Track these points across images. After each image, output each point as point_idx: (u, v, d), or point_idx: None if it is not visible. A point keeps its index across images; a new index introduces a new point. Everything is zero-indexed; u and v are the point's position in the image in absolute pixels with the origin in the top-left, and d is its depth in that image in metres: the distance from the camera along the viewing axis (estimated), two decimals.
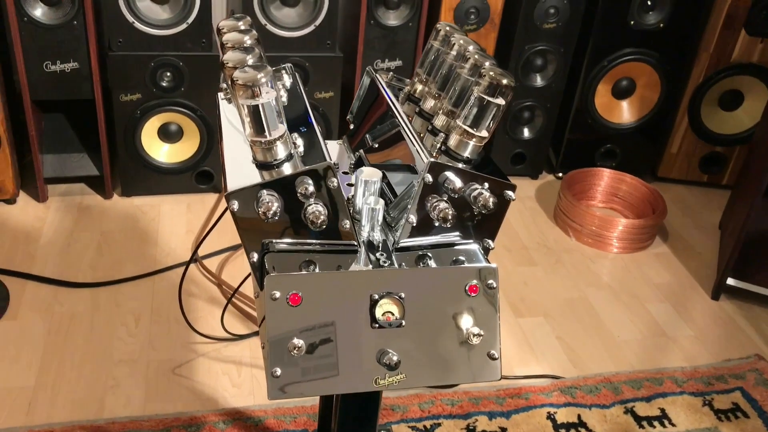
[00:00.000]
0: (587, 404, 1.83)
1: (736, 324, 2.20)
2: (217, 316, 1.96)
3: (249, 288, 2.06)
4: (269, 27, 2.31)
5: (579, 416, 1.80)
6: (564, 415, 1.79)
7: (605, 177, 2.73)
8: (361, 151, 1.31)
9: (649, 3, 2.57)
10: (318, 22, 2.34)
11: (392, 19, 2.46)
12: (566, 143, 2.84)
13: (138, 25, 2.21)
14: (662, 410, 1.84)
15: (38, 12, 2.13)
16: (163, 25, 2.23)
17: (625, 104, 2.79)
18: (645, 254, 2.51)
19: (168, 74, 2.30)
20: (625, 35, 2.62)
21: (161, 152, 2.44)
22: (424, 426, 1.73)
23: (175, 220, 2.41)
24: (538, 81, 2.67)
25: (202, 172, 2.50)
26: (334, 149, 1.38)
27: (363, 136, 1.31)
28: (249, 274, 1.69)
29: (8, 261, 2.13)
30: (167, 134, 2.42)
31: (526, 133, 2.78)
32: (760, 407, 1.87)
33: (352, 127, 1.36)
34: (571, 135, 2.82)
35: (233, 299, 2.05)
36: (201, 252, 2.24)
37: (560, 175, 2.87)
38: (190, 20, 2.23)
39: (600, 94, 2.73)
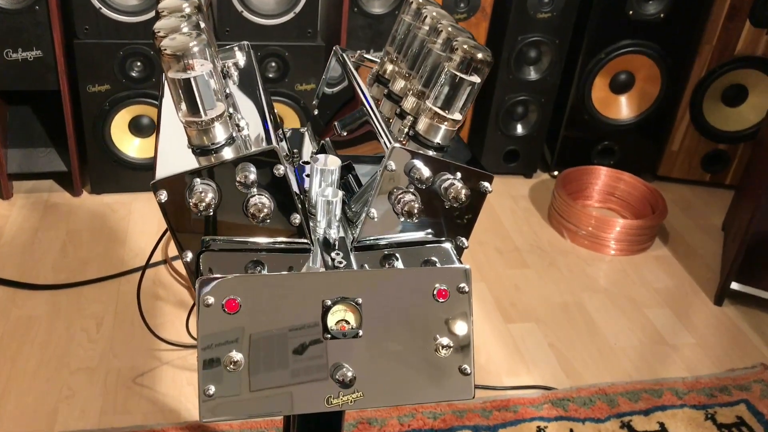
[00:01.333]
0: (580, 418, 1.70)
1: (741, 331, 2.07)
2: (185, 321, 1.82)
3: None
4: (246, 14, 2.18)
5: (571, 431, 1.66)
6: (555, 430, 1.66)
7: (602, 175, 2.59)
8: (327, 139, 1.18)
9: None
10: (298, 9, 2.21)
11: (377, 6, 2.33)
12: (562, 140, 2.70)
13: (106, 11, 2.08)
14: (661, 424, 1.71)
15: None
16: (132, 11, 2.11)
17: (623, 99, 2.65)
18: (644, 257, 2.38)
19: (138, 64, 2.17)
20: (623, 26, 2.49)
21: (132, 147, 2.31)
22: None
23: (146, 219, 2.27)
24: (532, 74, 2.54)
25: None
26: (297, 138, 1.25)
27: (330, 123, 1.18)
28: None
29: None
30: (139, 128, 2.29)
31: (519, 129, 2.65)
32: (767, 421, 1.74)
33: (316, 112, 1.23)
34: (566, 131, 2.69)
35: None
36: (171, 253, 2.11)
37: (555, 173, 2.74)
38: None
39: (597, 88, 2.60)
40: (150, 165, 2.34)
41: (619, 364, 1.90)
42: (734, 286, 2.13)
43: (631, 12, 2.45)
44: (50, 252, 2.08)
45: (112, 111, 2.21)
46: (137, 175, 2.34)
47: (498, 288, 2.14)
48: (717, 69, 2.58)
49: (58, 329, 1.81)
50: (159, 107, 1.03)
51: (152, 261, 2.06)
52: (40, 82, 2.13)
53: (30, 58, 2.08)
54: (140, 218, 2.27)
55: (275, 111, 1.15)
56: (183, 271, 2.05)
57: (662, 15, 2.46)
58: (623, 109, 2.66)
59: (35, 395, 1.62)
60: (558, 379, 1.83)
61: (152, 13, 2.11)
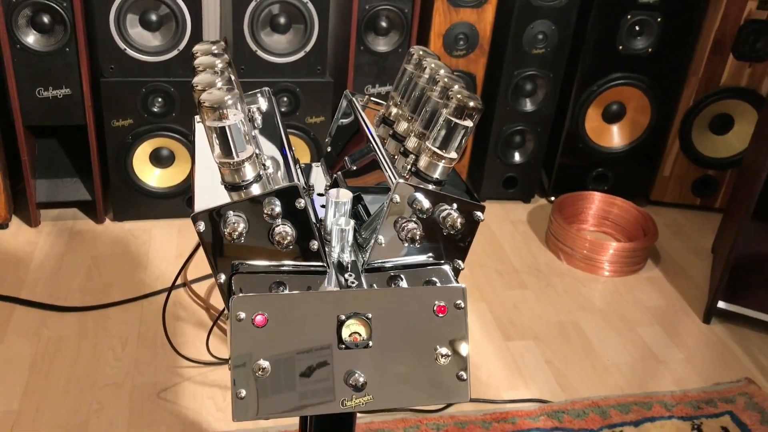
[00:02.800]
0: (575, 429, 1.82)
1: (727, 347, 2.19)
2: (203, 341, 1.95)
3: None
4: (260, 53, 2.34)
5: None
6: None
7: (596, 200, 2.73)
8: (339, 173, 1.32)
9: (637, 28, 2.59)
10: (308, 48, 2.37)
11: (382, 45, 2.49)
12: (558, 167, 2.85)
13: (130, 51, 2.24)
14: None
15: (30, 39, 2.16)
16: (154, 51, 2.26)
17: (615, 128, 2.80)
18: (636, 278, 2.51)
19: (159, 100, 2.33)
20: (614, 60, 2.64)
21: (153, 177, 2.46)
22: None
23: (165, 245, 2.41)
24: (528, 105, 2.69)
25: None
26: (315, 172, 1.39)
27: (340, 158, 1.32)
28: None
29: None
30: (159, 159, 2.44)
31: (517, 157, 2.79)
32: (749, 431, 1.85)
33: (329, 149, 1.37)
34: (562, 159, 2.83)
35: (219, 323, 2.05)
36: (190, 276, 2.25)
37: (552, 198, 2.88)
38: (181, 47, 2.26)
39: (590, 118, 2.75)
40: (168, 194, 2.48)
41: (611, 378, 2.02)
42: (721, 304, 2.25)
43: (621, 47, 2.61)
44: (76, 276, 2.22)
45: (135, 144, 2.37)
46: (157, 203, 2.48)
47: (498, 308, 2.27)
48: (704, 99, 2.72)
49: (86, 348, 1.94)
50: (192, 148, 1.17)
51: (173, 285, 2.20)
52: (69, 117, 2.29)
53: (60, 95, 2.24)
54: (160, 244, 2.41)
55: (293, 149, 1.29)
56: (202, 294, 2.18)
57: (650, 50, 2.62)
58: (615, 137, 2.81)
59: (68, 409, 1.74)
60: (554, 392, 1.94)
61: (173, 53, 2.27)
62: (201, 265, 2.29)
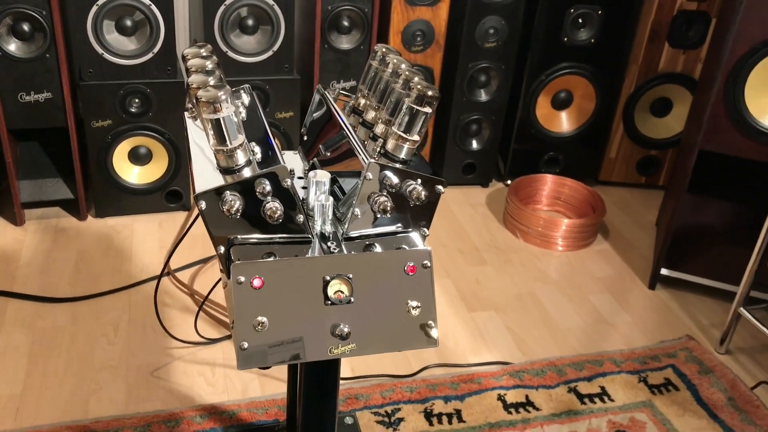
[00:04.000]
0: (534, 385, 2.01)
1: (671, 310, 2.41)
2: (190, 324, 2.10)
3: (218, 295, 2.21)
4: (230, 54, 2.49)
5: (527, 396, 1.97)
6: (513, 396, 1.97)
7: (548, 182, 2.94)
8: (315, 159, 1.48)
9: (580, 21, 2.80)
10: (276, 47, 2.52)
11: (345, 43, 2.65)
12: (512, 153, 3.05)
13: (107, 56, 2.36)
14: (602, 388, 2.03)
15: (12, 47, 2.27)
16: (130, 55, 2.40)
17: (564, 114, 3.01)
18: (587, 251, 2.72)
19: (136, 101, 2.46)
20: (560, 51, 2.85)
21: (132, 174, 2.59)
22: (386, 411, 1.89)
23: (147, 238, 2.55)
24: (483, 96, 2.88)
25: (172, 192, 2.65)
26: (290, 158, 1.55)
27: (316, 146, 1.49)
28: (218, 281, 1.85)
29: None
30: (137, 157, 2.57)
31: (474, 144, 2.98)
32: (689, 380, 2.07)
33: (306, 138, 1.53)
34: (516, 145, 3.03)
35: (205, 306, 2.20)
36: (173, 265, 2.39)
37: (509, 182, 3.08)
38: (156, 50, 2.40)
39: (540, 106, 2.95)
40: (147, 190, 2.62)
41: (566, 341, 2.22)
42: (664, 271, 2.47)
43: (565, 39, 2.81)
44: (65, 270, 2.35)
45: (114, 143, 2.49)
46: (137, 199, 2.61)
47: (461, 283, 2.46)
48: (644, 85, 2.95)
49: (80, 335, 2.08)
50: (187, 142, 1.33)
51: (157, 275, 2.35)
52: (50, 120, 2.41)
53: (41, 99, 2.36)
54: (142, 237, 2.55)
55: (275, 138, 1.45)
56: (185, 281, 2.33)
57: (593, 40, 2.83)
58: (564, 123, 3.02)
59: (68, 390, 1.88)
60: (515, 355, 2.14)
61: (148, 56, 2.40)
62: (183, 255, 2.43)
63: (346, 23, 2.63)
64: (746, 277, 2.11)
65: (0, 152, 2.43)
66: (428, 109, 1.20)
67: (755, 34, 2.05)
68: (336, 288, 1.13)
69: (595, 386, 2.03)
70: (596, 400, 1.98)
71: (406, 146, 1.22)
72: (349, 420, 1.80)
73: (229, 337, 2.08)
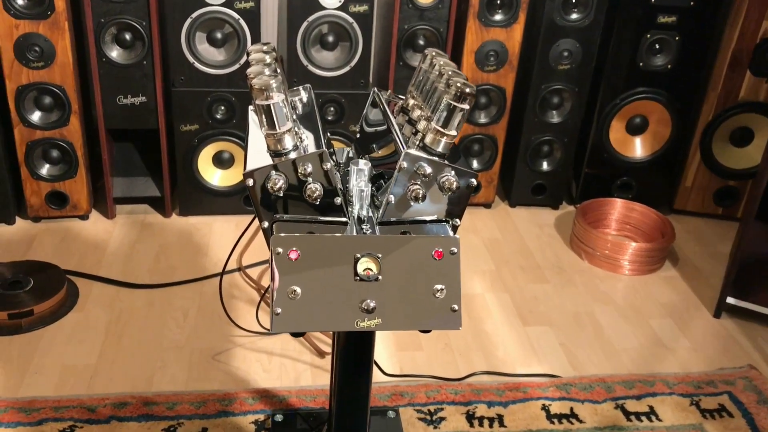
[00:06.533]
0: (580, 399, 2.02)
1: (734, 339, 2.35)
2: (254, 315, 2.23)
3: None
4: (310, 68, 2.64)
5: (571, 408, 1.98)
6: (557, 408, 1.98)
7: (618, 206, 2.92)
8: (366, 156, 1.58)
9: (656, 46, 2.80)
10: (353, 63, 2.66)
11: (419, 61, 2.76)
12: (584, 176, 3.05)
13: (197, 65, 2.56)
14: (651, 407, 2.00)
15: (114, 53, 2.51)
16: (218, 65, 2.59)
17: (638, 140, 3.00)
18: (654, 276, 2.68)
19: (222, 108, 2.64)
20: (635, 75, 2.85)
21: (215, 177, 2.77)
22: (429, 410, 1.94)
23: (224, 237, 2.72)
24: (555, 117, 2.91)
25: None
26: (347, 155, 1.66)
27: (369, 142, 1.59)
28: None
29: (80, 265, 2.47)
30: (220, 161, 2.75)
31: (545, 165, 3.01)
32: (746, 408, 2.02)
33: (359, 136, 1.64)
34: (588, 168, 3.03)
35: (267, 299, 2.33)
36: (245, 262, 2.53)
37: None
38: (242, 61, 2.58)
39: (614, 130, 2.95)
40: (228, 193, 2.79)
41: (619, 360, 2.20)
42: (730, 300, 2.42)
43: (641, 63, 2.82)
44: (146, 260, 2.53)
45: (200, 147, 2.68)
46: (217, 201, 2.79)
47: (519, 298, 2.48)
48: (723, 113, 2.90)
49: (152, 318, 2.24)
50: (247, 129, 1.45)
51: (230, 269, 2.50)
52: (144, 122, 2.63)
53: (137, 102, 2.58)
54: (219, 236, 2.72)
55: (327, 132, 1.56)
56: (255, 277, 2.47)
57: (669, 66, 2.82)
58: (638, 148, 3.00)
59: (137, 364, 2.04)
60: (565, 370, 2.14)
61: (235, 67, 2.59)
62: (253, 252, 2.58)
63: (421, 42, 2.74)
64: None
65: (96, 151, 2.66)
66: (466, 106, 1.27)
67: None
68: (365, 265, 1.21)
69: (644, 405, 2.01)
70: (643, 418, 1.97)
71: (443, 140, 1.30)
72: (391, 414, 1.86)
73: None
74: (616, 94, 2.89)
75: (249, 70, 1.29)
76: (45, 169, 2.61)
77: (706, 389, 2.09)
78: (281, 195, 1.24)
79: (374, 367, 1.59)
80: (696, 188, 3.06)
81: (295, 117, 1.40)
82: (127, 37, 2.49)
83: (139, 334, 2.16)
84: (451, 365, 2.12)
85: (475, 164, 2.94)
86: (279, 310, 1.19)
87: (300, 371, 2.06)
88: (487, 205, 3.04)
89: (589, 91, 2.90)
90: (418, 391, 2.00)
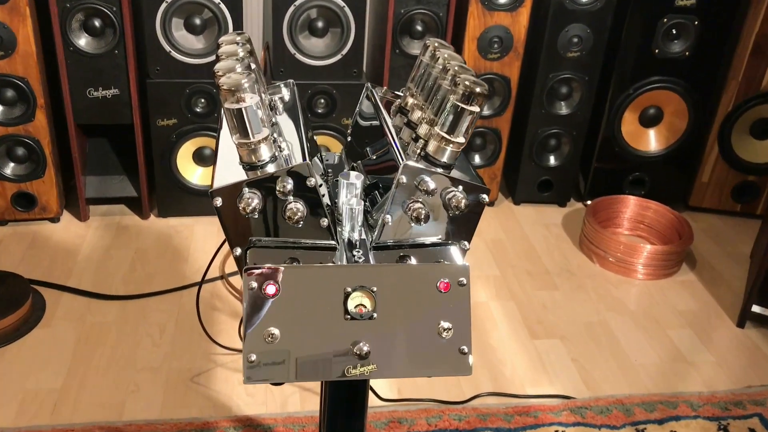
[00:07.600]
0: (597, 425, 1.83)
1: (761, 351, 2.16)
2: (238, 331, 2.03)
3: None
4: (298, 56, 2.43)
5: None
6: None
7: (631, 204, 2.72)
8: (359, 162, 1.37)
9: (673, 32, 2.59)
10: (345, 51, 2.44)
11: (416, 48, 2.55)
12: (594, 171, 2.85)
13: (174, 54, 2.34)
14: None
15: (82, 42, 2.29)
16: (198, 54, 2.37)
17: (652, 132, 2.79)
18: (670, 281, 2.49)
19: (202, 100, 2.43)
20: (650, 63, 2.64)
21: (196, 175, 2.56)
22: None
23: (206, 240, 2.51)
24: (563, 109, 2.71)
25: None
26: (337, 160, 1.45)
27: (362, 148, 1.38)
28: None
29: (48, 274, 2.26)
30: (201, 157, 2.54)
31: (552, 160, 2.80)
32: None
33: (350, 139, 1.43)
34: (598, 163, 2.83)
35: None
36: (228, 270, 2.33)
37: (588, 202, 2.88)
38: None
39: (627, 122, 2.75)
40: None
41: (638, 378, 2.02)
42: (755, 308, 2.23)
43: (657, 50, 2.61)
44: (121, 267, 2.33)
45: (178, 143, 2.47)
46: (199, 201, 2.58)
47: (526, 307, 2.29)
48: (744, 104, 2.70)
49: (126, 334, 2.04)
50: (218, 134, 1.24)
51: (211, 277, 2.30)
52: (117, 116, 2.41)
53: (109, 95, 2.36)
54: (201, 239, 2.51)
55: (314, 137, 1.35)
56: (238, 286, 2.27)
57: (687, 53, 2.61)
58: (652, 141, 2.80)
59: (107, 389, 1.84)
60: (578, 390, 1.96)
61: (215, 56, 2.36)
62: None
63: (419, 28, 2.52)
64: None
65: (68, 147, 2.45)
66: (476, 108, 1.07)
67: None
68: (357, 301, 1.01)
69: (666, 430, 1.82)
70: None
71: (449, 149, 1.09)
72: None
73: None
74: (629, 83, 2.68)
75: (217, 66, 1.08)
76: (9, 169, 2.40)
77: (734, 411, 1.90)
78: (256, 216, 1.04)
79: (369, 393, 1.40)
80: (713, 184, 2.86)
81: (274, 120, 1.19)
82: (96, 23, 2.27)
83: (110, 353, 1.96)
84: (454, 386, 1.93)
85: (477, 159, 2.74)
86: (253, 357, 0.99)
87: (287, 395, 1.86)
88: (490, 203, 2.84)
89: (600, 81, 2.69)
90: (418, 417, 1.81)
